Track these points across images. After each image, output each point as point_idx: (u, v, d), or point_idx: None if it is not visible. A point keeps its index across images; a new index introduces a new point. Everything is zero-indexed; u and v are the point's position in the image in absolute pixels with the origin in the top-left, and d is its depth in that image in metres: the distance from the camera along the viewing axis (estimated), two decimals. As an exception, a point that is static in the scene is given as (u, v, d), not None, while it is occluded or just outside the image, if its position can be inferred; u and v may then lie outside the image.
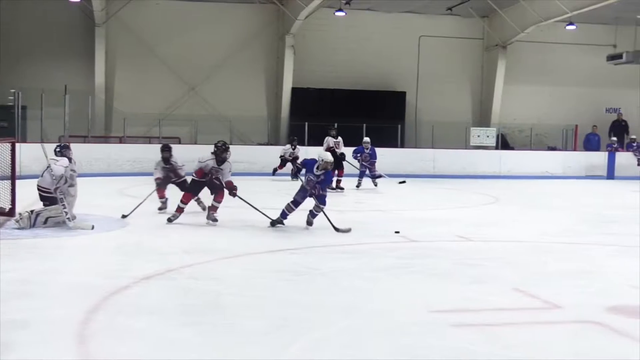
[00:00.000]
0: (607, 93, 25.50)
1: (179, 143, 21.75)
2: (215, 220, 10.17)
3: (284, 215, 9.85)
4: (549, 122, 24.73)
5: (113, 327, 5.12)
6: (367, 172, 16.55)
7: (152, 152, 19.31)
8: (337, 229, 9.44)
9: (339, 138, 17.15)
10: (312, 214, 9.86)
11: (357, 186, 16.57)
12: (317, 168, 9.73)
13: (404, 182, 17.78)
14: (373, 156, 16.50)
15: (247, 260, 7.65)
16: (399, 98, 23.54)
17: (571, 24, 23.22)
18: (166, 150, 11.67)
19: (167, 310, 5.55)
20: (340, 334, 5.11)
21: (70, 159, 10.14)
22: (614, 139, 23.47)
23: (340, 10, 22.01)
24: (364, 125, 22.00)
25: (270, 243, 8.60)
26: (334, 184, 14.88)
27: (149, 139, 21.30)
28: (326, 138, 17.04)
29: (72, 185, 9.91)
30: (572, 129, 24.67)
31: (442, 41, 24.27)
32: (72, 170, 9.91)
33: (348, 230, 9.45)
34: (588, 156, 23.39)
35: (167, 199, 11.52)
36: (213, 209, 10.27)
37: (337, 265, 7.45)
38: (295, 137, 19.38)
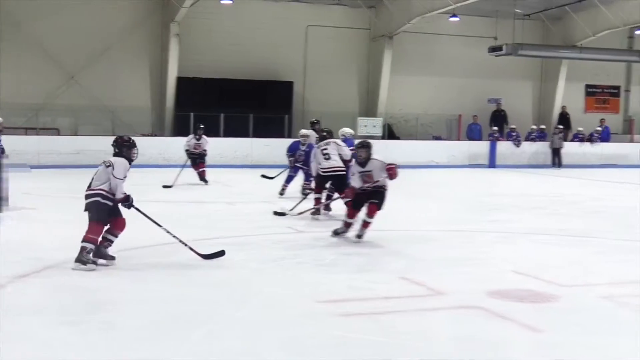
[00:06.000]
0: (489, 84, 26.24)
1: (58, 134, 20.96)
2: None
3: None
4: (434, 112, 25.25)
5: (-14, 329, 4.86)
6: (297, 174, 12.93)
7: (30, 144, 18.75)
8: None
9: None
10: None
11: (281, 193, 12.84)
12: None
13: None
14: (309, 155, 12.04)
15: (133, 255, 7.37)
16: (286, 88, 23.45)
17: (454, 16, 23.80)
18: None
19: (45, 310, 5.35)
20: (229, 327, 5.07)
21: None
22: (495, 128, 24.27)
23: (226, -2, 21.74)
24: (251, 115, 21.87)
25: (158, 237, 8.31)
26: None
27: (25, 130, 20.37)
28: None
29: None
30: (455, 119, 25.30)
31: (329, 31, 24.33)
32: None
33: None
34: (471, 145, 24.10)
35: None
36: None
37: (224, 258, 7.30)
38: (202, 125, 15.81)
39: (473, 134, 25.09)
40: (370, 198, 8.41)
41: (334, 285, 6.35)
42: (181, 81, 22.19)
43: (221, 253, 7.27)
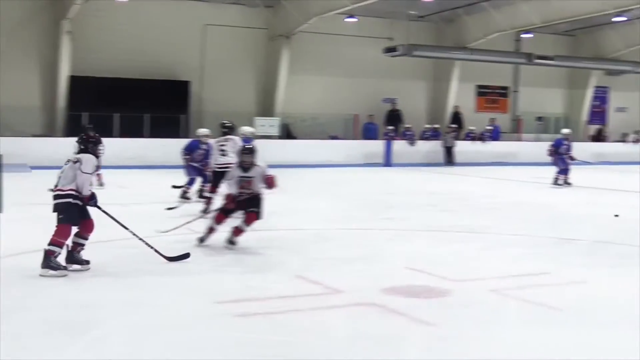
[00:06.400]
0: (384, 84, 26.68)
1: None
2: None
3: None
4: (331, 112, 25.47)
5: None
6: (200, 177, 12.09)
7: None
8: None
9: None
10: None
11: (183, 197, 12.09)
12: None
13: None
14: (207, 154, 11.61)
15: (25, 259, 7.04)
16: (182, 88, 23.16)
17: (351, 16, 24.13)
18: None
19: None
20: (123, 330, 5.00)
21: None
22: (391, 127, 24.70)
23: (121, -5, 21.30)
24: (147, 115, 21.51)
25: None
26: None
27: None
28: None
29: None
30: (352, 119, 25.58)
31: (227, 30, 24.16)
32: None
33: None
34: (367, 145, 24.46)
35: None
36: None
37: (120, 261, 7.17)
38: (90, 125, 15.12)
39: (369, 133, 25.49)
40: (246, 206, 8.11)
41: (231, 285, 6.34)
42: (74, 80, 21.57)
43: (186, 255, 7.26)
